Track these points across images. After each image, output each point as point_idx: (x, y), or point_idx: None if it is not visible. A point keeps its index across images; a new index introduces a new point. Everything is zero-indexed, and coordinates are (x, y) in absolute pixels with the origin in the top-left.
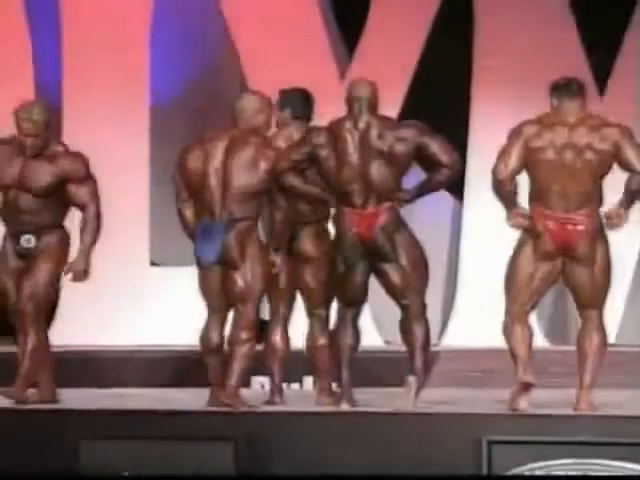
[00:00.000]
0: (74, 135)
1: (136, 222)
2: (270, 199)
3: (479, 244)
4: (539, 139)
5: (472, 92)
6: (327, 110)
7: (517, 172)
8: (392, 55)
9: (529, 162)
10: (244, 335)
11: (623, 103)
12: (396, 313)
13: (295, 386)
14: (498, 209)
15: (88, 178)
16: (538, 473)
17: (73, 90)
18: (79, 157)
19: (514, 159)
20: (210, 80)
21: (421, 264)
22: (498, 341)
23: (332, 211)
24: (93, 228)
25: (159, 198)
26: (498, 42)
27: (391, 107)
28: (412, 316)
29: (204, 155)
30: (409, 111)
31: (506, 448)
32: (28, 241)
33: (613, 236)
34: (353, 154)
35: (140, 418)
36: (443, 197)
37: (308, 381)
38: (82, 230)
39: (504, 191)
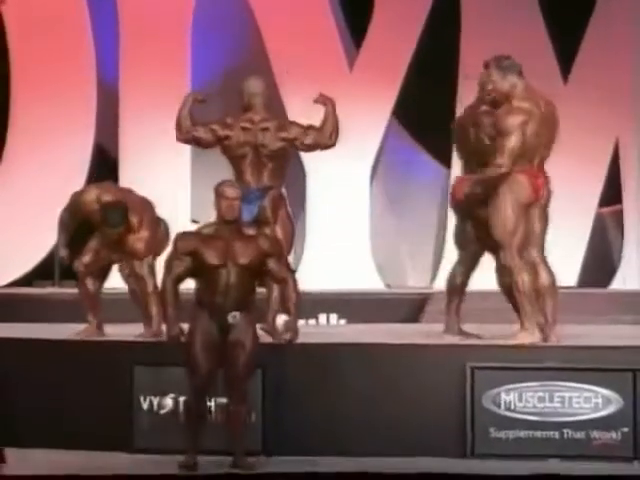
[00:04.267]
0: (130, 113)
1: (180, 186)
2: None
3: None
4: None
5: (459, 80)
6: (337, 94)
7: None
8: (393, 48)
9: None
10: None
11: (586, 89)
12: (397, 260)
13: (312, 322)
14: None
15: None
16: (512, 394)
17: (129, 77)
18: None
19: None
20: (242, 68)
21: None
22: (478, 284)
23: None
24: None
25: (199, 166)
26: (480, 36)
27: (391, 92)
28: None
29: (245, 138)
30: (406, 94)
31: (486, 373)
32: None
33: (577, 191)
34: None
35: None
36: (435, 166)
37: (322, 318)
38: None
39: None
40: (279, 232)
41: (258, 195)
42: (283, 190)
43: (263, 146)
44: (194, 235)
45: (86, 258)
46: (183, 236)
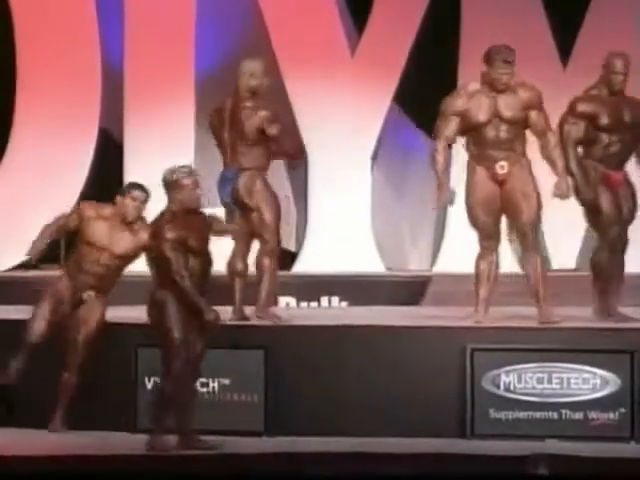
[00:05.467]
0: (135, 97)
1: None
2: None
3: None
4: None
5: (459, 70)
6: (338, 80)
7: None
8: (394, 34)
9: None
10: (267, 262)
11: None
12: (398, 244)
13: (314, 304)
14: None
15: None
16: (511, 375)
17: (134, 61)
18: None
19: None
20: (245, 52)
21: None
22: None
23: None
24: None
25: (203, 151)
26: (481, 32)
27: (392, 78)
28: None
29: (218, 119)
30: (408, 80)
31: (486, 354)
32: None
33: None
34: None
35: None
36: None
37: (324, 300)
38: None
39: None
40: (265, 211)
41: (231, 177)
42: (283, 174)
43: (241, 124)
44: (178, 224)
45: (37, 329)
46: (173, 227)
